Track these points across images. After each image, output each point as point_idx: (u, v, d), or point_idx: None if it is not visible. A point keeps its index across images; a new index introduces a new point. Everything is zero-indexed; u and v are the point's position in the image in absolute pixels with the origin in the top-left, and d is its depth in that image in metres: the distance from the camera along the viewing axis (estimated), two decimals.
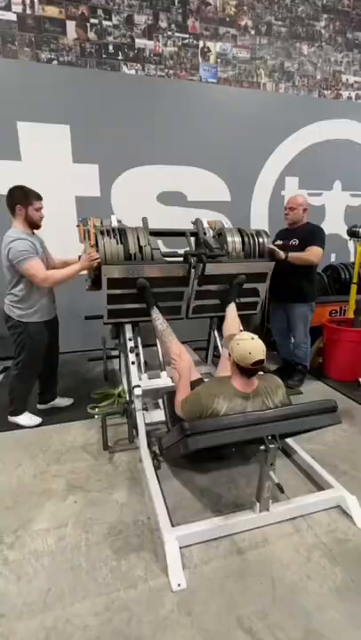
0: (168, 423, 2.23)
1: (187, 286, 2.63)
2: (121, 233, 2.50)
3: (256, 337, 1.72)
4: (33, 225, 2.43)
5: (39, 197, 2.41)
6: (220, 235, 2.86)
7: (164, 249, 3.94)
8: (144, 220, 2.92)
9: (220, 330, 3.04)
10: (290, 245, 3.04)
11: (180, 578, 1.53)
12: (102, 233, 2.46)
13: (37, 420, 2.69)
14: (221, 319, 2.88)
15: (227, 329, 2.50)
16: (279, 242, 3.15)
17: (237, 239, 2.76)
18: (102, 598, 1.47)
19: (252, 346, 1.67)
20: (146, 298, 2.48)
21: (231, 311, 2.62)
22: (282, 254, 2.80)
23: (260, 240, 2.82)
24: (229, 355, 1.76)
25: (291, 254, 2.85)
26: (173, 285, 2.60)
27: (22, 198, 2.33)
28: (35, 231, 2.50)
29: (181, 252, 2.66)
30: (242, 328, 2.52)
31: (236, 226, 3.67)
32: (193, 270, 2.55)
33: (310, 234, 3.03)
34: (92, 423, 2.72)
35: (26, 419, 2.68)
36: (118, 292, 2.49)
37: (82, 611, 1.43)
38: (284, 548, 1.70)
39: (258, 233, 2.87)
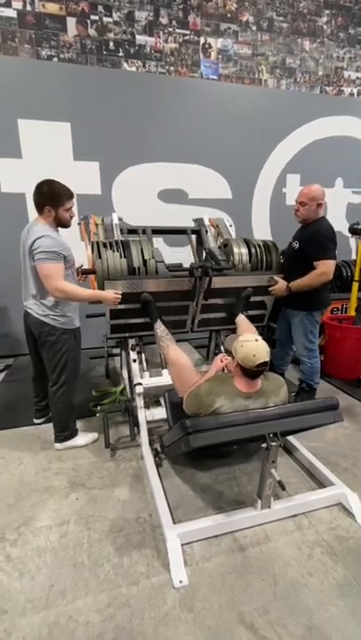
0: (169, 421, 2.24)
1: (192, 300, 2.55)
2: (124, 246, 2.40)
3: (260, 338, 1.71)
4: (62, 225, 2.21)
5: (71, 196, 2.18)
6: (225, 245, 2.76)
7: (165, 248, 3.96)
8: (148, 231, 2.88)
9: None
10: (290, 248, 2.73)
11: (182, 574, 1.54)
12: (105, 246, 2.37)
13: (94, 435, 2.50)
14: (226, 332, 2.88)
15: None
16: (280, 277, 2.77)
17: (244, 250, 2.65)
18: (104, 595, 1.48)
19: (256, 348, 1.66)
20: (149, 312, 2.41)
21: (243, 320, 2.54)
22: (282, 288, 2.61)
23: (270, 252, 2.71)
24: (233, 357, 1.75)
25: (292, 285, 2.58)
26: (178, 299, 2.51)
27: (52, 199, 2.10)
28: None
29: (187, 265, 2.59)
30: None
31: (237, 223, 3.67)
32: (198, 283, 2.46)
33: (313, 240, 2.53)
34: (93, 421, 2.72)
35: (82, 439, 2.45)
36: (122, 307, 2.39)
37: (84, 607, 1.44)
38: (286, 544, 1.71)
39: (266, 245, 2.73)
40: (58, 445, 2.40)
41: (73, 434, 2.43)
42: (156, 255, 2.47)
